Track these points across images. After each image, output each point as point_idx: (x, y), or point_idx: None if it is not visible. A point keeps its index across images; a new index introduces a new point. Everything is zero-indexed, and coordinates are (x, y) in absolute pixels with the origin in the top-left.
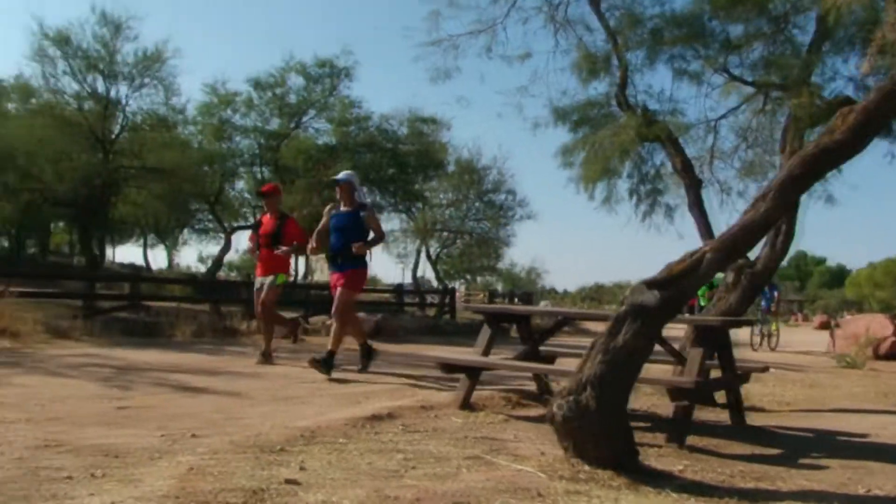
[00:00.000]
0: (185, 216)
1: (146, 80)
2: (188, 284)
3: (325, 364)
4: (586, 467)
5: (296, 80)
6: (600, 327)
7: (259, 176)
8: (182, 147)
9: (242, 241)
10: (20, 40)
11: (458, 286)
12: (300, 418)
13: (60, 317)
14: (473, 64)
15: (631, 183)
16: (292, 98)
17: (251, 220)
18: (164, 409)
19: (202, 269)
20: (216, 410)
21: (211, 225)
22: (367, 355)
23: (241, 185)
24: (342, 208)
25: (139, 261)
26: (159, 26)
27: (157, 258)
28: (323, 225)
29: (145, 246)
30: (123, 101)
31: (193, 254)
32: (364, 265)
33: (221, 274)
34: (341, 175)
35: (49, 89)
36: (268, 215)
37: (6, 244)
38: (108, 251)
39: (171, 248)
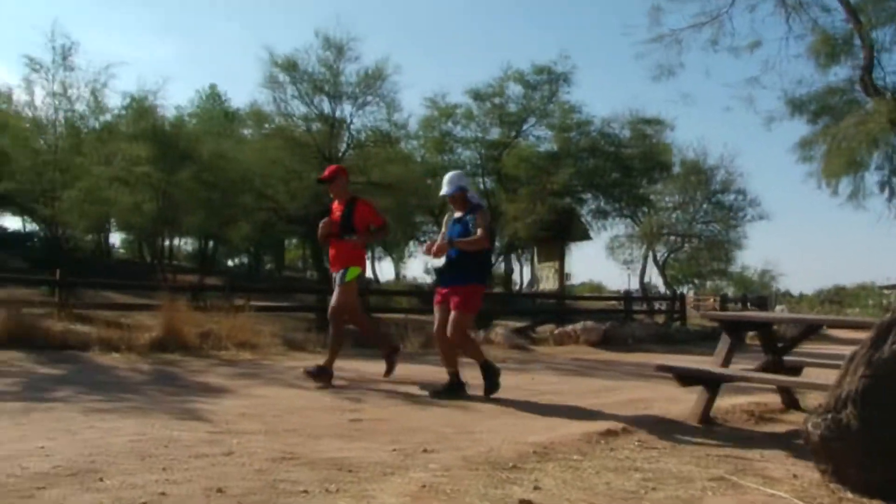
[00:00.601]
0: (411, 228)
1: (369, 99)
2: (415, 296)
3: (489, 379)
4: (849, 494)
5: (514, 89)
6: (851, 335)
7: (482, 186)
8: (405, 161)
9: None
10: (254, 71)
11: (687, 291)
12: (531, 433)
13: (295, 329)
14: (697, 58)
15: (882, 175)
16: (512, 107)
17: None
18: (395, 422)
19: (428, 280)
20: (446, 424)
21: (436, 237)
22: (451, 389)
23: None
24: (456, 215)
25: (367, 273)
26: (379, 45)
27: (385, 270)
28: (441, 237)
29: (373, 259)
30: (348, 120)
31: (419, 266)
32: (476, 281)
33: None
34: (444, 189)
35: (280, 113)
36: (335, 202)
37: (246, 261)
38: None
39: (398, 260)
